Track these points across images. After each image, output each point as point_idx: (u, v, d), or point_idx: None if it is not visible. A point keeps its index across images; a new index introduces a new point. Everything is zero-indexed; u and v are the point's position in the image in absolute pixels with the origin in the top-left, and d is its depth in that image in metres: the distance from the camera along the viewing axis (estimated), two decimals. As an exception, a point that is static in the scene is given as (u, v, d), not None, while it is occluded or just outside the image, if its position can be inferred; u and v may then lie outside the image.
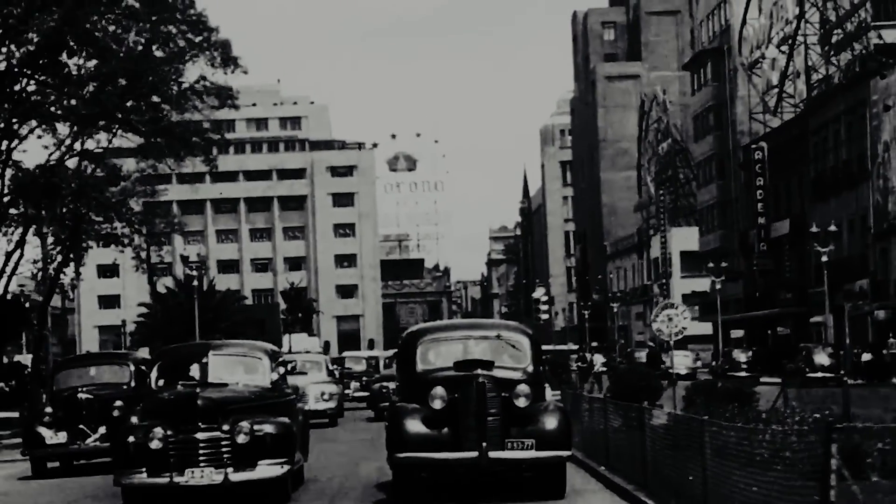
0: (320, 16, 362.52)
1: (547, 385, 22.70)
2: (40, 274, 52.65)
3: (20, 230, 52.51)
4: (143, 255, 58.08)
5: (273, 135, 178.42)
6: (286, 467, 19.53)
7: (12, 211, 52.30)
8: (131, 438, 19.31)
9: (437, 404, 18.52)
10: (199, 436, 19.08)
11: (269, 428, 19.34)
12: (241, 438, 19.02)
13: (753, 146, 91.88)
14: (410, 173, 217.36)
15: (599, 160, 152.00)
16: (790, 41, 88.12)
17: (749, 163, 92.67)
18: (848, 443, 12.23)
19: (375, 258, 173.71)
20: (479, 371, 18.60)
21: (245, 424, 19.09)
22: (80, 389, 27.42)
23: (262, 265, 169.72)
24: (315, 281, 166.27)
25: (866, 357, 59.96)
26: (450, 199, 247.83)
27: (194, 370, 20.78)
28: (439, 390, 18.54)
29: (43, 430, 27.33)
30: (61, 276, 53.76)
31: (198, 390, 19.68)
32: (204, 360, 20.81)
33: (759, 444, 11.92)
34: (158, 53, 50.67)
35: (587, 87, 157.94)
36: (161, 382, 21.09)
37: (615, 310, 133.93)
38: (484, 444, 18.15)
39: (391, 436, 18.93)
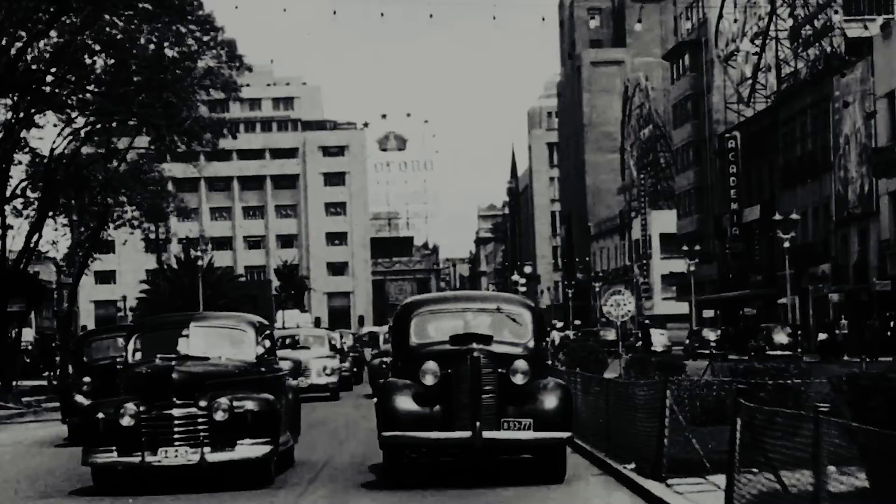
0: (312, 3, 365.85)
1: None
2: (67, 257, 56.99)
3: (38, 213, 56.94)
4: (152, 235, 62.45)
5: (266, 115, 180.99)
6: (269, 447, 18.31)
7: (30, 195, 56.88)
8: (101, 415, 18.21)
9: (429, 380, 17.66)
10: (174, 412, 18.02)
11: (250, 405, 18.18)
12: (219, 416, 17.94)
13: (727, 135, 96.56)
14: (400, 153, 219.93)
15: (584, 143, 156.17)
16: (762, 36, 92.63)
17: (723, 151, 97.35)
18: (708, 396, 16.95)
19: (366, 236, 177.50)
20: (475, 345, 17.65)
21: (224, 401, 17.99)
22: (117, 360, 26.84)
23: (254, 242, 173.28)
24: (306, 258, 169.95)
25: (822, 336, 64.69)
26: (439, 178, 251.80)
27: (175, 343, 19.50)
28: (431, 365, 17.68)
29: (82, 399, 27.44)
30: (90, 259, 58.13)
31: (173, 363, 18.53)
32: (185, 333, 19.62)
33: (638, 396, 16.90)
34: (169, 52, 54.98)
35: (573, 72, 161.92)
36: (138, 356, 19.70)
37: (597, 289, 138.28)
38: (478, 424, 17.20)
39: (380, 413, 18.03)
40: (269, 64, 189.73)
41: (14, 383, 47.76)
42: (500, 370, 17.51)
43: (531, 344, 18.44)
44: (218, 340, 19.66)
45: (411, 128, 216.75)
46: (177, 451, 17.86)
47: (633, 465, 17.26)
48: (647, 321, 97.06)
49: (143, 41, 54.75)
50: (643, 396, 16.95)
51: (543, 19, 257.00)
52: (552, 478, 17.82)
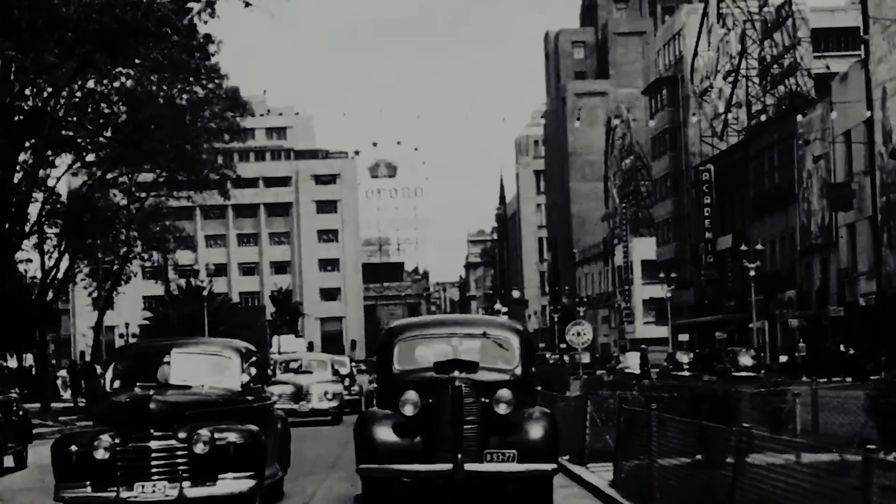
0: (304, 30, 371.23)
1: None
2: (95, 291, 61.98)
3: (58, 248, 61.75)
4: (158, 265, 67.49)
5: (260, 144, 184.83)
6: (253, 482, 17.28)
7: (47, 230, 61.70)
8: (73, 447, 17.16)
9: (409, 410, 17.01)
10: (152, 445, 16.97)
11: (233, 437, 17.22)
12: (199, 448, 16.93)
13: (702, 167, 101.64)
14: (391, 180, 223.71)
15: (569, 172, 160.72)
16: (734, 74, 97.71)
17: (698, 182, 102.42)
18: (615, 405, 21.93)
19: (357, 262, 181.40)
20: (457, 373, 16.97)
21: (205, 432, 16.98)
22: None
23: (249, 269, 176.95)
24: (300, 284, 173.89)
25: (783, 359, 69.71)
26: (429, 204, 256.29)
27: (155, 371, 18.59)
28: (411, 395, 17.01)
29: None
30: (114, 292, 63.15)
31: (151, 392, 17.43)
32: (166, 360, 18.64)
33: (571, 407, 21.90)
34: (178, 101, 59.83)
35: (558, 103, 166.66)
36: (117, 384, 18.69)
37: (581, 314, 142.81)
38: (459, 456, 16.56)
39: (358, 444, 17.40)
40: (262, 94, 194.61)
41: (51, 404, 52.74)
42: (483, 399, 16.89)
43: (518, 370, 17.80)
44: (201, 368, 18.64)
45: (401, 155, 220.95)
46: (154, 486, 16.89)
47: (567, 457, 22.08)
48: (643, 346, 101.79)
49: (153, 88, 59.49)
50: (573, 407, 21.96)
51: (504, 119, 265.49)
52: None
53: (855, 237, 72.41)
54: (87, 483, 16.95)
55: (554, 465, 17.06)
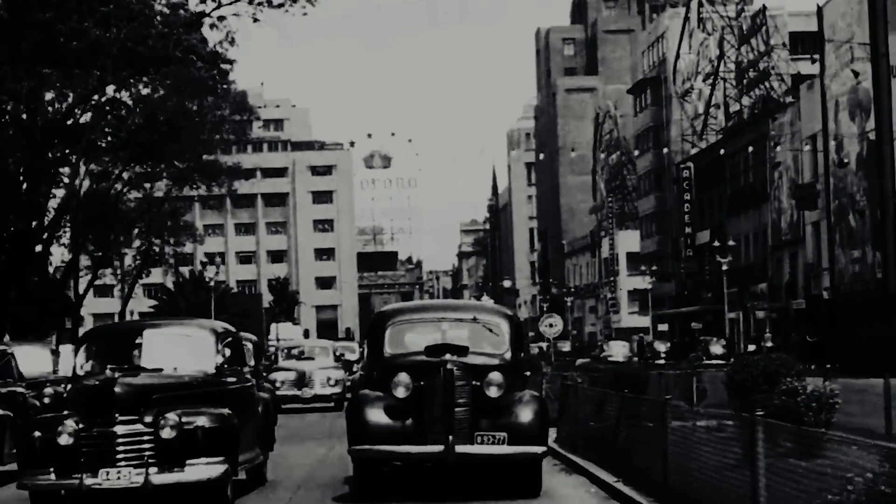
0: (300, 21, 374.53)
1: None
2: (120, 284, 67.02)
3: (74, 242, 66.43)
4: (171, 260, 72.46)
5: (257, 135, 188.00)
6: (224, 467, 16.77)
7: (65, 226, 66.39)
8: (37, 433, 16.73)
9: (401, 392, 17.26)
10: (117, 430, 16.45)
11: (202, 420, 16.71)
12: (166, 433, 16.46)
13: (682, 165, 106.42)
14: (385, 170, 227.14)
15: (559, 165, 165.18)
16: (713, 76, 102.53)
17: (679, 179, 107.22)
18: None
19: (352, 251, 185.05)
20: (448, 357, 17.26)
21: (172, 416, 16.50)
22: None
23: (246, 258, 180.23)
24: (296, 273, 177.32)
25: (751, 348, 74.56)
26: (422, 195, 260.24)
27: (127, 353, 18.07)
28: (403, 377, 17.28)
29: None
30: (137, 282, 68.15)
31: (117, 376, 16.85)
32: (137, 341, 18.09)
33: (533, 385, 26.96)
34: (188, 104, 64.42)
35: (548, 98, 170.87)
36: (88, 367, 18.17)
37: (569, 303, 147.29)
38: (450, 438, 16.82)
39: (350, 426, 17.61)
40: (259, 86, 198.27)
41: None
42: (474, 382, 17.18)
43: (508, 355, 18.17)
44: (174, 349, 18.15)
45: (396, 146, 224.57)
46: (119, 472, 16.38)
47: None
48: (641, 335, 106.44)
49: (163, 91, 64.08)
50: (533, 384, 27.02)
51: (482, 152, 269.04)
52: (527, 492, 17.62)
53: (819, 234, 77.12)
54: (51, 470, 16.55)
55: (544, 448, 17.49)
